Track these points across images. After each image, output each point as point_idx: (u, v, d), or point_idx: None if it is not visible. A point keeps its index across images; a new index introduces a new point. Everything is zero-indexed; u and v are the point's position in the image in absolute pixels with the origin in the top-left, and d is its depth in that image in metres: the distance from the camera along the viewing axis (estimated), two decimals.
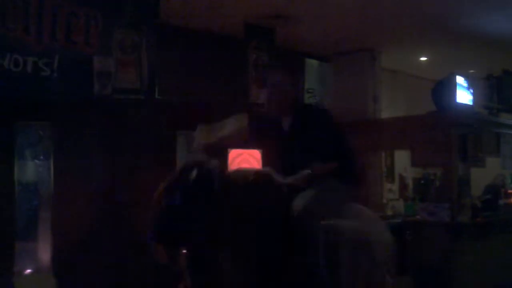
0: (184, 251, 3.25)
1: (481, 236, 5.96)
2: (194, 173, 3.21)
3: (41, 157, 4.90)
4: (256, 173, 3.36)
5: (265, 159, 3.53)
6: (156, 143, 5.30)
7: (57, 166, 4.71)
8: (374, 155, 7.16)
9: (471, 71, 7.84)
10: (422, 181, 6.79)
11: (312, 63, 7.71)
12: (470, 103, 6.53)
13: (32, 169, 5.02)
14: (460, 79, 6.41)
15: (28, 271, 4.70)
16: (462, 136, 6.38)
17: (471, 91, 6.61)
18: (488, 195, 6.62)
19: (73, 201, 4.73)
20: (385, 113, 7.54)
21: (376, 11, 5.91)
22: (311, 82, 7.66)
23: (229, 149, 3.63)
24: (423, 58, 8.01)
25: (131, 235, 5.03)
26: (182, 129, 5.56)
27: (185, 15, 5.70)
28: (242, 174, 3.34)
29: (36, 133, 4.89)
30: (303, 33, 6.66)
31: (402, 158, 7.24)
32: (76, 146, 4.77)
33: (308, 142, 3.44)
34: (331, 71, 7.67)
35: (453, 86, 6.32)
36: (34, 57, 4.48)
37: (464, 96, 6.44)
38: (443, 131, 6.09)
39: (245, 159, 3.54)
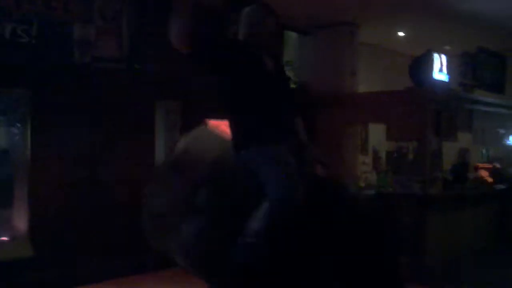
0: None
1: (451, 208, 6.16)
2: None
3: (18, 124, 4.86)
4: None
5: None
6: (135, 111, 5.30)
7: (34, 133, 4.67)
8: (351, 128, 7.27)
9: (447, 47, 7.95)
10: (395, 154, 6.93)
11: (291, 36, 7.72)
12: (446, 79, 6.65)
13: (7, 135, 4.98)
14: (437, 56, 6.52)
15: (4, 238, 4.72)
16: (436, 112, 6.50)
17: (447, 67, 6.73)
18: (455, 172, 6.77)
19: (50, 168, 4.73)
20: (362, 87, 7.62)
21: None
22: (290, 54, 7.70)
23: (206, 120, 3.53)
24: (401, 33, 8.08)
25: (109, 201, 5.07)
26: (162, 98, 5.57)
27: None
28: None
29: (13, 100, 4.84)
30: (282, 6, 6.62)
31: (376, 132, 7.35)
32: (54, 113, 4.73)
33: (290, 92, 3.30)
34: (310, 44, 7.69)
35: (430, 62, 6.42)
36: (12, 23, 4.39)
37: (440, 72, 6.56)
38: (418, 106, 6.19)
39: (224, 131, 3.42)
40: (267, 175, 2.83)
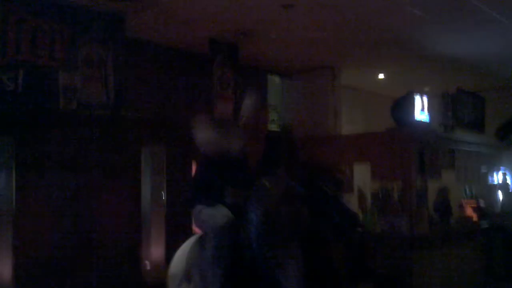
0: None
1: (437, 248, 6.17)
2: None
3: (2, 172, 4.79)
4: None
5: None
6: (121, 158, 5.29)
7: (19, 182, 4.61)
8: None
9: (427, 89, 8.11)
10: (380, 195, 6.95)
11: (274, 79, 7.85)
12: (427, 120, 6.76)
13: None
14: (418, 97, 6.64)
15: None
16: (419, 151, 6.57)
17: (428, 108, 6.84)
18: (439, 211, 6.80)
19: (35, 216, 4.66)
20: (346, 129, 7.71)
21: (337, 31, 6.10)
22: (273, 98, 7.81)
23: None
24: (381, 76, 8.26)
25: (95, 248, 5.00)
26: (147, 145, 5.57)
27: (152, 31, 5.73)
28: None
29: None
30: (265, 50, 6.79)
31: (361, 172, 7.38)
32: (39, 160, 4.70)
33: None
34: (292, 87, 7.81)
35: (411, 104, 6.54)
36: None
37: (421, 113, 6.67)
38: (401, 147, 6.27)
39: None
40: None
